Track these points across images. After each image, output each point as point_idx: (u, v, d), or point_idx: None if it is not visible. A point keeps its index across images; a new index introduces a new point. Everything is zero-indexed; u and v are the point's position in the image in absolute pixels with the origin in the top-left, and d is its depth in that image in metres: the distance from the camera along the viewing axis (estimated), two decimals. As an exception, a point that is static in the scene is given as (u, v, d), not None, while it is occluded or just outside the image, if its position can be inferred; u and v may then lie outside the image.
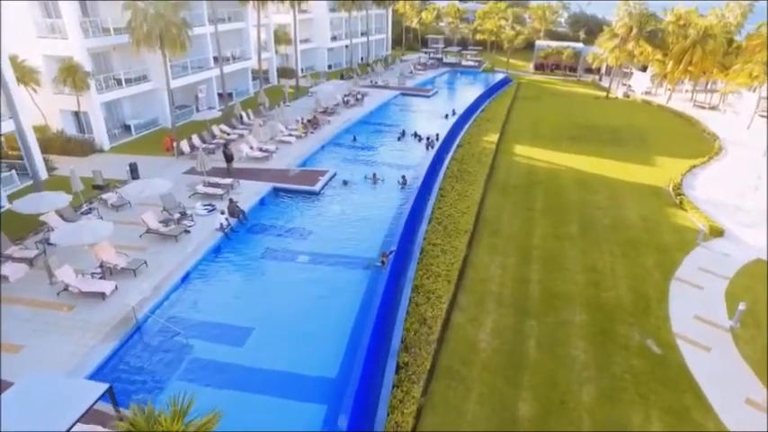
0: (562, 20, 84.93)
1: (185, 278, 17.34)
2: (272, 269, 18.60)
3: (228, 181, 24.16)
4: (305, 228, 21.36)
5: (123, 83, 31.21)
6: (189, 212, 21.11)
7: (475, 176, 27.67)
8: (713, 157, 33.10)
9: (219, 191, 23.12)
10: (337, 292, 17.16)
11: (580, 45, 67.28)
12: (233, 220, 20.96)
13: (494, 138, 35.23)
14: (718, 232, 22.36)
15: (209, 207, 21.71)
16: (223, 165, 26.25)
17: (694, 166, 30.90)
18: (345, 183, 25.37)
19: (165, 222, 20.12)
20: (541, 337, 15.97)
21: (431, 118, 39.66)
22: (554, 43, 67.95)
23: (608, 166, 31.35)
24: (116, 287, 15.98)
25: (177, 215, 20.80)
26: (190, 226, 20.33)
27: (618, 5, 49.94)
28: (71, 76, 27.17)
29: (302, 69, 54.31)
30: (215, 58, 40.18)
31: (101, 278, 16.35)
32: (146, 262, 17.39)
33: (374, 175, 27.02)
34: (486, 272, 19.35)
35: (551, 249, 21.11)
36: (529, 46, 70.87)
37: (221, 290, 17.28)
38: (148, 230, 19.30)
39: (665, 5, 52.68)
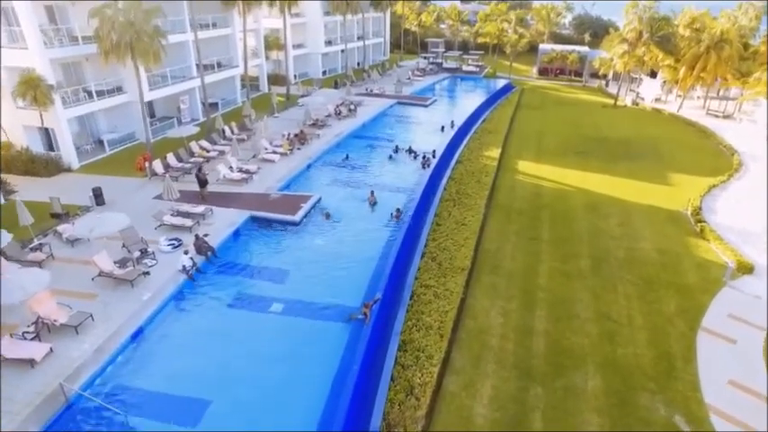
0: (566, 21, 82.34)
1: (137, 335, 14.98)
2: (240, 321, 16.19)
3: (201, 209, 21.79)
4: (281, 267, 18.94)
5: (95, 95, 28.87)
6: (150, 250, 18.75)
7: (474, 199, 25.26)
8: (733, 174, 30.58)
9: (189, 222, 20.73)
10: (312, 352, 14.77)
11: (585, 48, 64.77)
12: (200, 259, 18.62)
13: (495, 153, 32.79)
14: (747, 268, 19.88)
15: (175, 243, 19.35)
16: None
17: (713, 186, 28.39)
18: (328, 216, 22.48)
19: (122, 263, 17.76)
20: (548, 409, 13.57)
21: (428, 130, 37.19)
22: (558, 47, 65.41)
23: (620, 186, 28.89)
24: (51, 350, 13.66)
25: (137, 253, 18.45)
26: (151, 266, 17.99)
27: (626, 8, 47.36)
28: (32, 89, 24.86)
29: (295, 76, 52.11)
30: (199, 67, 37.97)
31: (34, 338, 14.02)
32: (92, 315, 15.04)
33: (372, 193, 24.69)
34: (486, 320, 16.95)
35: (559, 291, 18.69)
36: (532, 49, 68.41)
37: (178, 349, 14.88)
38: (101, 273, 16.95)
39: (674, 5, 50.10)
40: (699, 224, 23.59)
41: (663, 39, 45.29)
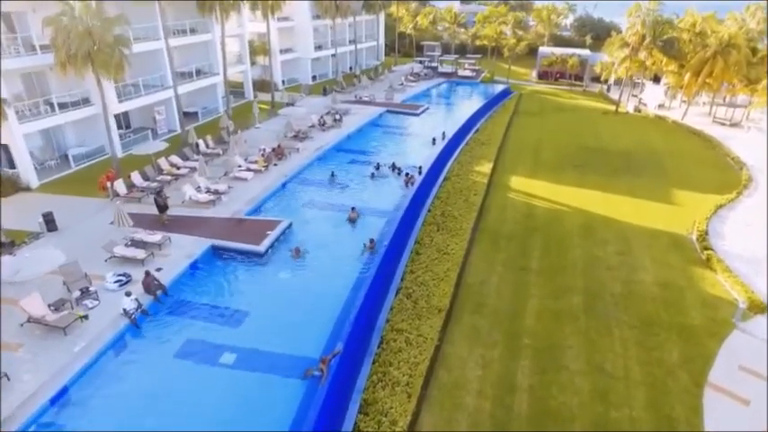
0: (567, 22, 79.93)
1: (59, 396, 13.10)
2: (185, 375, 14.28)
3: (157, 238, 19.87)
4: (239, 308, 17.01)
5: (57, 108, 27.07)
6: (93, 288, 16.86)
7: (460, 223, 23.30)
8: (741, 191, 28.44)
9: (142, 253, 18.83)
10: (260, 417, 12.84)
11: (587, 52, 62.55)
12: (148, 299, 16.73)
13: (487, 167, 30.77)
14: (759, 307, 17.83)
15: (122, 279, 17.45)
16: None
17: (721, 206, 26.28)
18: (298, 252, 19.94)
19: (58, 305, 15.88)
20: (529, 492, 11.64)
21: (417, 143, 35.12)
22: (558, 50, 63.17)
23: (619, 205, 26.84)
24: (-50, 423, 11.83)
25: (77, 292, 16.59)
26: (91, 308, 16.14)
27: (629, 11, 45.19)
28: (-20, 105, 23.03)
29: (283, 81, 50.26)
30: (180, 74, 36.22)
31: (-66, 407, 12.18)
32: (7, 374, 13.18)
33: (353, 209, 23.11)
34: (462, 372, 15.00)
35: (547, 334, 16.71)
36: (532, 51, 66.25)
37: (107, 414, 12.95)
38: (30, 319, 15.10)
39: (677, 7, 47.93)
40: (705, 252, 21.54)
41: (666, 43, 43.16)
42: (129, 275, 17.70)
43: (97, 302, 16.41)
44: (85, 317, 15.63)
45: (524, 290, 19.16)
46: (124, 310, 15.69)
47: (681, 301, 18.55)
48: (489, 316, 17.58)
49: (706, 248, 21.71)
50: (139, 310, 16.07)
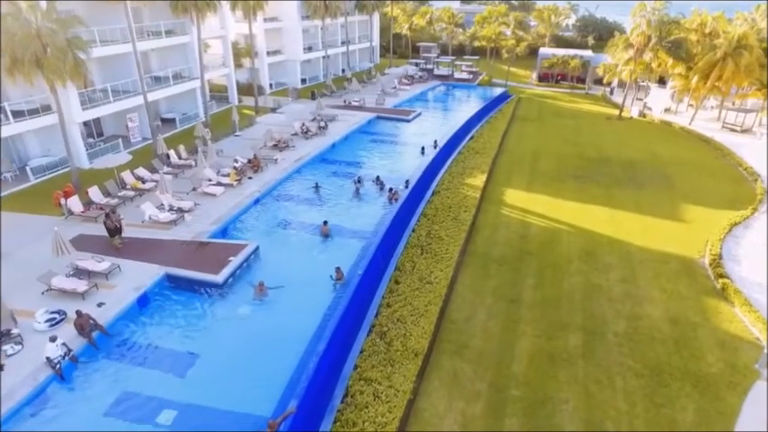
0: (569, 22, 77.51)
1: (-50, 474, 10.98)
2: (113, 441, 12.18)
3: (105, 266, 17.68)
4: (188, 351, 14.86)
5: (11, 116, 24.96)
6: (16, 330, 14.70)
7: (447, 245, 21.05)
8: (757, 207, 26.08)
9: (83, 285, 16.66)
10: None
11: (589, 53, 60.20)
12: (81, 343, 14.58)
13: (480, 180, 28.48)
14: (784, 351, 15.54)
15: (56, 317, 15.30)
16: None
17: (735, 224, 23.96)
18: (263, 288, 17.07)
19: (-28, 352, 13.78)
20: None
21: (406, 152, 32.89)
22: (559, 51, 60.78)
23: (622, 222, 24.56)
24: None
25: (-2, 336, 14.46)
26: (11, 354, 14.00)
27: (633, 11, 42.83)
28: None
29: (271, 85, 48.17)
30: (155, 78, 34.31)
31: None
32: None
33: (325, 223, 21.33)
34: (439, 436, 12.78)
35: (540, 384, 14.45)
36: (532, 53, 63.99)
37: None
38: (-67, 372, 12.98)
39: (682, 6, 45.54)
40: (720, 280, 19.24)
41: (673, 44, 40.79)
42: (65, 312, 15.55)
43: (20, 347, 14.27)
44: (0, 367, 13.49)
45: (514, 327, 16.90)
46: (47, 358, 13.53)
47: (694, 342, 16.26)
48: (473, 360, 15.34)
49: (721, 276, 19.40)
50: (67, 357, 13.92)
